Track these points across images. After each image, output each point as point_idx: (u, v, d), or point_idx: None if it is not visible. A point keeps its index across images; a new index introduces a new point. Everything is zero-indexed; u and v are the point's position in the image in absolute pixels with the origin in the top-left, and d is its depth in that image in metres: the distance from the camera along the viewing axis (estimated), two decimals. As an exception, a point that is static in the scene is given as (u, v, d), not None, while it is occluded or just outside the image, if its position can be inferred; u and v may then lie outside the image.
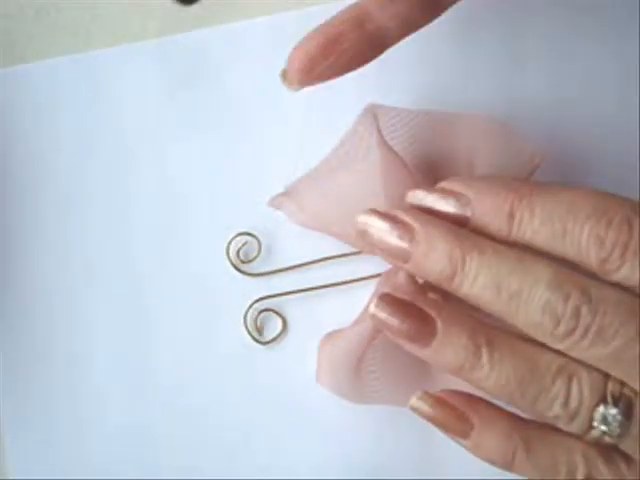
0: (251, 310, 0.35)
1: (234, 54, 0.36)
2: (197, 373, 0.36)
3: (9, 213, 0.36)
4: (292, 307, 0.35)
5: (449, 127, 0.34)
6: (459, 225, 0.29)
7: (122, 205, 0.36)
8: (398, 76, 0.36)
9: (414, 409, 0.30)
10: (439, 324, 0.29)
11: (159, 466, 0.36)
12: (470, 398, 0.30)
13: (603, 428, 0.28)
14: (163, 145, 0.36)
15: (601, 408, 0.28)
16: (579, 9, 0.36)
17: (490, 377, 0.29)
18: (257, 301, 0.35)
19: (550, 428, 0.30)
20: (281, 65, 0.36)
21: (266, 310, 0.35)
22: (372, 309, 0.30)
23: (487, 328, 0.29)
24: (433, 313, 0.29)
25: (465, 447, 0.30)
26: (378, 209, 0.30)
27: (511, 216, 0.29)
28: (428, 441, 0.35)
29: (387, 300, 0.30)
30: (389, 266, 0.33)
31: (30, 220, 0.36)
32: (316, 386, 0.34)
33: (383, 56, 0.35)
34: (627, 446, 0.29)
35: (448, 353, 0.29)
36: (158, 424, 0.36)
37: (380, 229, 0.30)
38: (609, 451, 0.29)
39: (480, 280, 0.28)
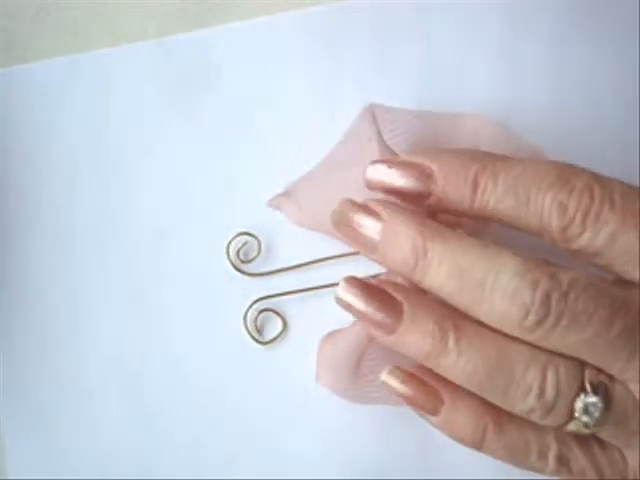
0: (251, 310, 0.35)
1: (234, 54, 0.36)
2: (197, 373, 0.36)
3: (8, 213, 0.36)
4: (292, 307, 0.35)
5: (449, 127, 0.34)
6: (421, 199, 0.29)
7: (122, 205, 0.36)
8: (398, 76, 0.36)
9: (385, 384, 0.30)
10: (405, 308, 0.29)
11: (159, 466, 0.36)
12: (442, 375, 0.29)
13: (585, 419, 0.28)
14: (163, 145, 0.36)
15: (582, 398, 0.27)
16: (579, 9, 0.36)
17: (457, 364, 0.28)
18: (257, 301, 0.35)
19: None
20: (281, 65, 0.36)
21: (266, 310, 0.35)
22: (338, 292, 0.29)
23: (455, 315, 0.28)
24: (399, 297, 0.29)
25: (434, 425, 0.30)
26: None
27: (475, 185, 0.28)
28: (428, 441, 0.35)
29: (353, 282, 0.29)
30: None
31: (29, 220, 0.36)
32: (316, 386, 0.34)
33: (383, 56, 0.36)
34: (605, 434, 0.28)
35: (414, 339, 0.28)
36: (158, 424, 0.36)
37: (354, 220, 0.29)
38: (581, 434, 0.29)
39: (443, 269, 0.28)
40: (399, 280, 0.31)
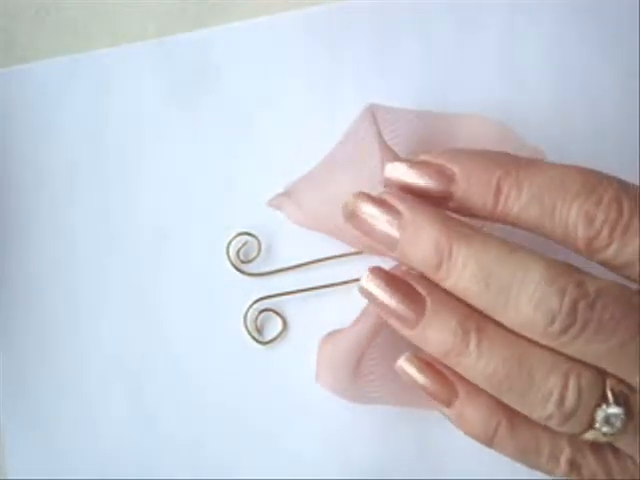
0: (251, 310, 0.35)
1: (234, 54, 0.36)
2: (197, 372, 0.36)
3: (8, 213, 0.36)
4: (292, 307, 0.35)
5: (449, 127, 0.34)
6: (442, 199, 0.28)
7: (122, 204, 0.36)
8: (398, 76, 0.36)
9: (401, 370, 0.29)
10: (429, 303, 0.28)
11: (159, 465, 0.36)
12: None
13: (605, 429, 0.27)
14: (163, 145, 0.36)
15: (603, 408, 0.27)
16: (579, 9, 0.36)
17: (477, 365, 0.27)
18: (257, 301, 0.35)
19: None
20: (281, 65, 0.36)
21: (266, 310, 0.35)
22: (362, 281, 0.29)
23: (479, 315, 0.28)
24: (424, 292, 0.28)
25: (447, 416, 0.29)
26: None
27: (498, 191, 0.27)
28: (428, 441, 0.35)
29: (377, 273, 0.29)
30: (390, 265, 0.33)
31: (29, 220, 0.36)
32: (316, 386, 0.34)
33: (383, 56, 0.36)
34: (622, 443, 0.28)
35: (435, 335, 0.28)
36: (158, 424, 0.36)
37: (369, 213, 0.28)
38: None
39: (467, 271, 0.27)
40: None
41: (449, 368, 0.29)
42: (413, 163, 0.29)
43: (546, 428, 0.28)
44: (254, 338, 0.35)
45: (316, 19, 0.36)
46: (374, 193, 0.29)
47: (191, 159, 0.36)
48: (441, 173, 0.28)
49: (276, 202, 0.35)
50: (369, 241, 0.29)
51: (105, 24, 0.37)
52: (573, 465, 0.28)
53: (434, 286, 0.28)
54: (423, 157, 0.29)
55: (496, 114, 0.35)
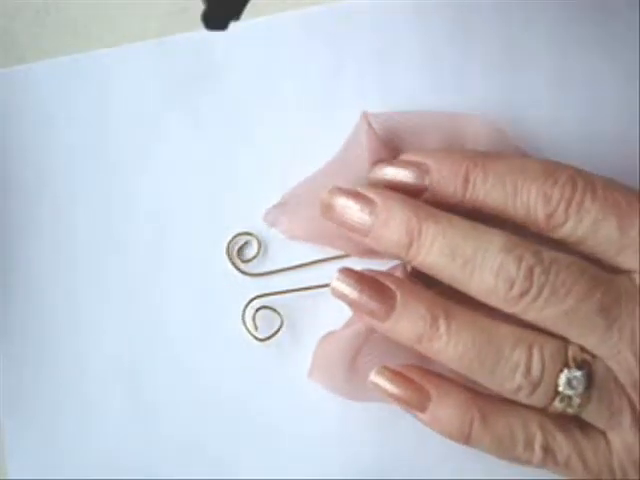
0: (249, 308, 0.35)
1: (234, 54, 0.36)
2: (196, 371, 0.36)
3: (8, 213, 0.37)
4: (290, 305, 0.35)
5: (448, 128, 0.35)
6: (418, 194, 0.31)
7: (122, 205, 0.36)
8: (397, 77, 0.36)
9: (373, 385, 0.32)
10: (399, 296, 0.30)
11: (158, 465, 0.36)
12: (427, 371, 0.32)
13: (569, 392, 0.29)
14: (163, 144, 0.36)
15: (565, 372, 0.29)
16: (579, 9, 0.35)
17: (448, 348, 0.30)
18: (255, 298, 0.35)
19: (505, 399, 0.30)
20: (281, 65, 0.36)
21: (264, 308, 0.35)
22: (333, 282, 0.31)
23: (445, 301, 0.31)
24: (393, 286, 0.31)
25: (422, 421, 0.31)
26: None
27: (466, 180, 0.30)
28: (427, 441, 0.35)
29: (347, 273, 0.31)
30: (387, 266, 0.33)
31: (29, 220, 0.36)
32: (314, 384, 0.34)
33: (383, 57, 0.36)
34: (589, 415, 0.30)
35: (407, 325, 0.30)
36: (157, 423, 0.36)
37: (342, 204, 0.31)
38: (564, 422, 0.30)
39: (435, 247, 0.30)
40: (399, 274, 0.32)
41: (418, 373, 0.31)
42: (393, 161, 0.32)
43: (517, 416, 0.30)
44: (252, 335, 0.35)
45: (316, 19, 0.36)
46: None
47: (191, 159, 0.36)
48: (417, 167, 0.31)
49: (271, 218, 0.35)
50: (345, 232, 0.32)
51: (105, 24, 0.37)
52: (547, 451, 0.30)
53: (402, 280, 0.31)
54: (402, 156, 0.32)
55: (495, 115, 0.35)
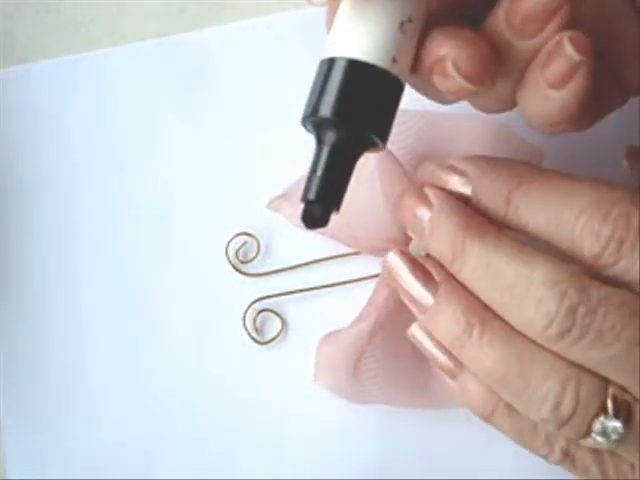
0: (250, 310, 0.35)
1: (234, 54, 0.36)
2: (196, 373, 0.36)
3: (8, 213, 0.37)
4: (291, 307, 0.35)
5: (448, 127, 0.34)
6: (463, 202, 0.29)
7: (122, 205, 0.36)
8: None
9: (412, 337, 0.30)
10: (440, 290, 0.29)
11: (158, 465, 0.36)
12: None
13: (601, 439, 0.27)
14: (163, 145, 0.36)
15: (601, 419, 0.27)
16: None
17: (478, 358, 0.28)
18: (256, 301, 0.35)
19: None
20: (281, 65, 0.36)
21: (265, 310, 0.35)
22: (388, 255, 0.30)
23: (485, 310, 0.28)
24: (438, 278, 0.29)
25: (451, 386, 0.30)
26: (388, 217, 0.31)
27: (508, 201, 0.28)
28: (427, 441, 0.35)
29: (403, 253, 0.30)
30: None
31: (29, 220, 0.37)
32: (315, 386, 0.34)
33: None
34: (621, 451, 0.28)
35: (442, 323, 0.29)
36: (157, 424, 0.36)
37: (408, 205, 0.30)
38: None
39: (477, 268, 0.28)
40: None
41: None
42: (440, 166, 0.30)
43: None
44: (253, 338, 0.35)
45: (316, 19, 0.36)
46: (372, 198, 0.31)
47: (191, 159, 0.36)
48: (461, 177, 0.29)
49: (275, 205, 0.35)
50: (407, 227, 0.30)
51: (105, 24, 0.37)
52: (567, 455, 0.28)
53: (449, 277, 0.29)
54: (449, 162, 0.30)
55: (496, 114, 0.35)
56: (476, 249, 0.28)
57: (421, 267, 0.30)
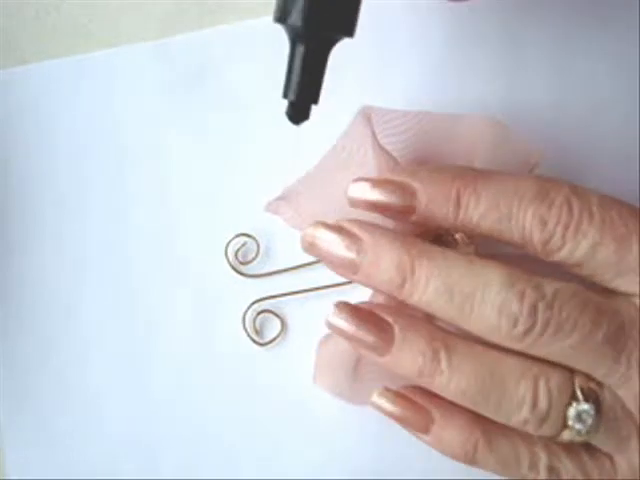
0: (250, 311, 0.35)
1: (234, 54, 0.36)
2: (196, 374, 0.36)
3: (8, 213, 0.37)
4: (291, 308, 0.35)
5: (448, 128, 0.34)
6: (405, 213, 0.30)
7: (121, 206, 0.36)
8: (397, 76, 0.36)
9: (375, 406, 0.31)
10: (396, 330, 0.29)
11: (158, 466, 0.36)
12: (430, 393, 0.30)
13: (578, 426, 0.28)
14: (162, 145, 0.36)
15: (574, 406, 0.28)
16: (579, 10, 0.35)
17: (451, 382, 0.29)
18: (255, 302, 0.35)
19: None
20: (281, 66, 0.36)
21: (265, 311, 0.35)
22: (329, 318, 0.30)
23: (446, 334, 0.29)
24: (390, 319, 0.30)
25: (426, 442, 0.30)
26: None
27: (457, 204, 0.29)
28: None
29: (343, 308, 0.30)
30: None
31: (29, 220, 0.37)
32: (315, 387, 0.34)
33: (382, 57, 0.36)
34: (598, 441, 0.29)
35: (407, 359, 0.29)
36: (157, 425, 0.36)
37: (327, 240, 0.30)
38: (572, 443, 0.30)
39: (431, 286, 0.28)
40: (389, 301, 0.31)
41: (421, 394, 0.30)
42: (375, 181, 0.30)
43: (521, 437, 0.29)
44: (253, 339, 0.35)
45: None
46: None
47: (190, 159, 0.36)
48: (403, 189, 0.29)
49: (273, 207, 0.35)
50: (331, 268, 0.30)
51: (105, 25, 0.37)
52: (552, 471, 0.29)
53: (399, 312, 0.30)
54: (385, 176, 0.30)
55: (495, 114, 0.35)
56: (425, 268, 0.29)
57: (367, 315, 0.30)
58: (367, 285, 0.30)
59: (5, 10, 0.37)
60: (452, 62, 0.36)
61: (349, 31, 0.28)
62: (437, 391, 0.29)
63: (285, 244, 0.35)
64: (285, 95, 0.28)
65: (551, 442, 0.29)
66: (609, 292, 0.30)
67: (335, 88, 0.35)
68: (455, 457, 0.30)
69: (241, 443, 0.36)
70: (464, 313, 0.28)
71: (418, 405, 0.30)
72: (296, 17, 0.27)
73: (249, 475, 0.36)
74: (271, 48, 0.36)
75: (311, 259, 0.35)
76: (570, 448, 0.30)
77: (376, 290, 0.30)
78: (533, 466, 0.29)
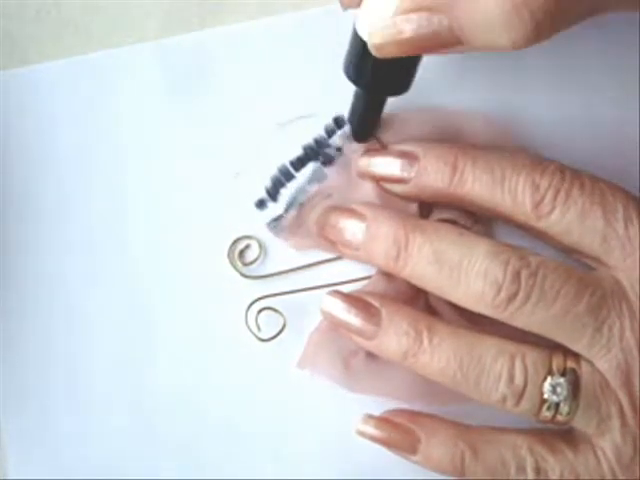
0: (252, 309, 0.35)
1: (234, 55, 0.36)
2: (198, 373, 0.36)
3: (8, 213, 0.37)
4: (292, 306, 0.35)
5: (452, 124, 0.35)
6: (402, 180, 0.32)
7: (123, 207, 0.36)
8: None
9: (361, 434, 0.32)
10: (383, 314, 0.31)
11: (159, 465, 0.36)
12: (413, 413, 0.32)
13: (554, 398, 0.29)
14: (163, 146, 0.36)
15: (548, 379, 0.29)
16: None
17: (432, 361, 0.30)
18: (258, 300, 0.35)
19: (493, 429, 0.31)
20: (281, 66, 0.36)
21: (266, 309, 0.35)
22: (322, 304, 0.32)
23: (428, 316, 0.31)
24: (377, 304, 0.32)
25: (415, 462, 0.32)
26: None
27: (454, 167, 0.31)
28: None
29: (334, 294, 0.32)
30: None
31: (29, 221, 0.37)
32: (316, 384, 0.34)
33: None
34: (578, 422, 0.30)
35: (392, 342, 0.31)
36: (159, 423, 0.36)
37: (336, 221, 0.33)
38: (553, 441, 0.31)
39: (423, 256, 0.30)
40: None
41: (405, 416, 0.32)
42: (382, 150, 0.33)
43: (505, 443, 0.31)
44: (255, 336, 0.35)
45: (316, 20, 0.36)
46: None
47: (191, 160, 0.36)
48: (406, 155, 0.32)
49: (282, 237, 0.35)
50: (338, 250, 0.33)
51: (105, 24, 0.37)
52: (540, 471, 0.31)
53: (386, 298, 0.32)
54: (392, 146, 0.33)
55: (496, 114, 0.35)
56: (418, 240, 0.31)
57: (357, 300, 0.32)
58: (367, 261, 0.32)
59: (5, 10, 0.37)
60: (451, 62, 0.36)
61: (405, 90, 0.32)
62: (421, 371, 0.31)
63: (286, 246, 0.35)
64: (350, 122, 0.34)
65: (534, 442, 0.31)
66: (594, 262, 0.31)
67: (335, 88, 0.36)
68: (446, 473, 0.31)
69: (241, 441, 0.36)
70: (452, 282, 0.30)
71: (402, 426, 0.32)
72: (364, 83, 0.32)
73: (249, 475, 0.36)
74: (270, 49, 0.36)
75: (311, 260, 0.35)
76: (554, 446, 0.31)
77: (374, 264, 0.33)
78: (520, 469, 0.31)
